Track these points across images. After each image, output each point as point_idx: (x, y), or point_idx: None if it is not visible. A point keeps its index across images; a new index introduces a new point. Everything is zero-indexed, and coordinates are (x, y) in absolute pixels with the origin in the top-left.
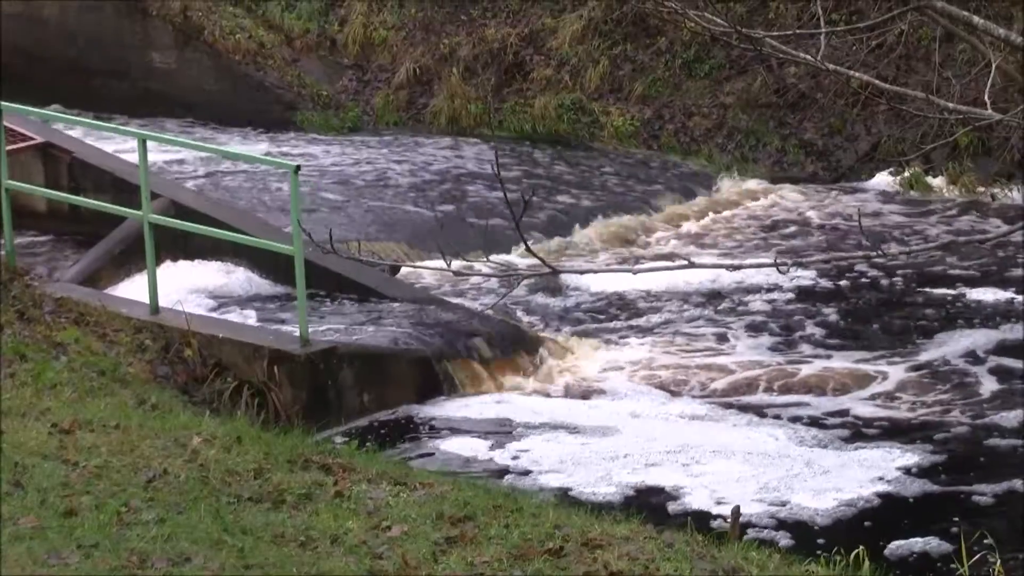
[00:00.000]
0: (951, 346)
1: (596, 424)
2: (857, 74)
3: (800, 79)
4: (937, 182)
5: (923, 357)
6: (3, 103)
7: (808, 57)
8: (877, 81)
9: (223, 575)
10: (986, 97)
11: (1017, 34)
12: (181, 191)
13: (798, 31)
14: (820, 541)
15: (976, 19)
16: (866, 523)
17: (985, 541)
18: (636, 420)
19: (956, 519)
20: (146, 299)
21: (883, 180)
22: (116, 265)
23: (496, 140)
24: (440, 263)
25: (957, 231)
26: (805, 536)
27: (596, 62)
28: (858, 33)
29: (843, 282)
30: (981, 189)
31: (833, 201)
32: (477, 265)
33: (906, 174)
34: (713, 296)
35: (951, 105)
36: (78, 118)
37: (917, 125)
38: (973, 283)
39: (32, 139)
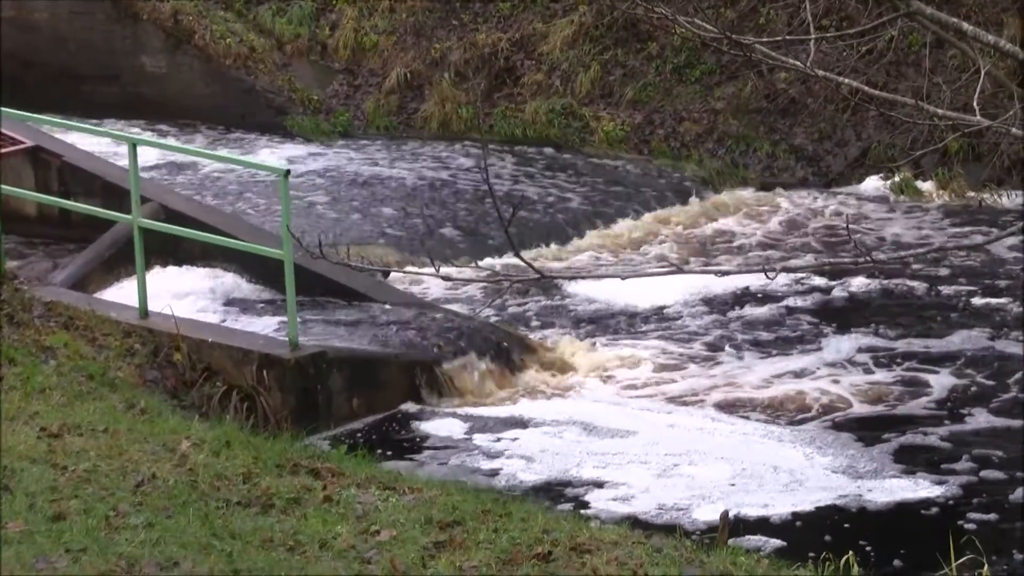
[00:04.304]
0: (944, 353)
1: (592, 429)
2: (847, 80)
3: (790, 85)
4: (927, 187)
5: (917, 365)
6: None
7: (798, 63)
8: (867, 87)
9: None
10: (975, 103)
11: (1006, 40)
12: (171, 195)
13: (788, 37)
14: (809, 547)
15: (966, 25)
16: (857, 530)
17: (973, 546)
18: (633, 425)
19: (946, 525)
20: (135, 303)
21: (873, 185)
22: (106, 269)
23: (487, 145)
24: (429, 268)
25: (947, 236)
26: (794, 542)
27: (587, 67)
28: (848, 39)
29: (838, 289)
30: (971, 194)
31: (823, 206)
32: (466, 271)
33: (896, 179)
34: (711, 302)
35: (941, 111)
36: (69, 122)
37: (907, 131)
38: (968, 288)
39: (22, 143)
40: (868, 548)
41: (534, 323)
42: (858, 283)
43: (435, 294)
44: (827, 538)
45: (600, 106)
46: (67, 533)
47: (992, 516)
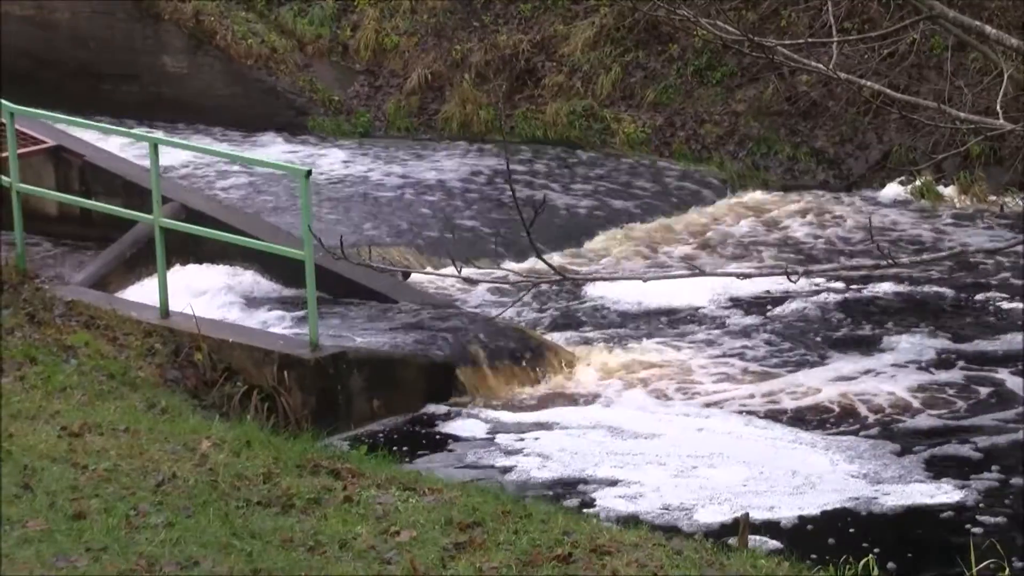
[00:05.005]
0: (966, 356)
1: (614, 430)
2: (868, 83)
3: (812, 87)
4: (948, 191)
5: (953, 369)
6: (16, 107)
7: (820, 66)
8: (889, 90)
9: None
10: (998, 106)
11: None
12: (191, 195)
13: (810, 40)
14: (816, 551)
15: (988, 29)
16: (870, 535)
17: (994, 550)
18: (657, 428)
19: (966, 529)
20: (156, 303)
21: (894, 189)
22: (126, 269)
23: (508, 147)
24: (451, 270)
25: (968, 241)
26: (814, 545)
27: (608, 69)
28: (870, 42)
29: (859, 293)
30: (992, 198)
31: (844, 210)
32: (487, 272)
33: (917, 183)
34: (736, 305)
35: (962, 115)
36: (90, 122)
37: (929, 134)
38: (990, 292)
39: (44, 142)
40: (884, 553)
41: (556, 325)
42: (886, 287)
43: (458, 296)
44: (832, 541)
45: (621, 108)
46: (87, 532)
47: (1016, 522)
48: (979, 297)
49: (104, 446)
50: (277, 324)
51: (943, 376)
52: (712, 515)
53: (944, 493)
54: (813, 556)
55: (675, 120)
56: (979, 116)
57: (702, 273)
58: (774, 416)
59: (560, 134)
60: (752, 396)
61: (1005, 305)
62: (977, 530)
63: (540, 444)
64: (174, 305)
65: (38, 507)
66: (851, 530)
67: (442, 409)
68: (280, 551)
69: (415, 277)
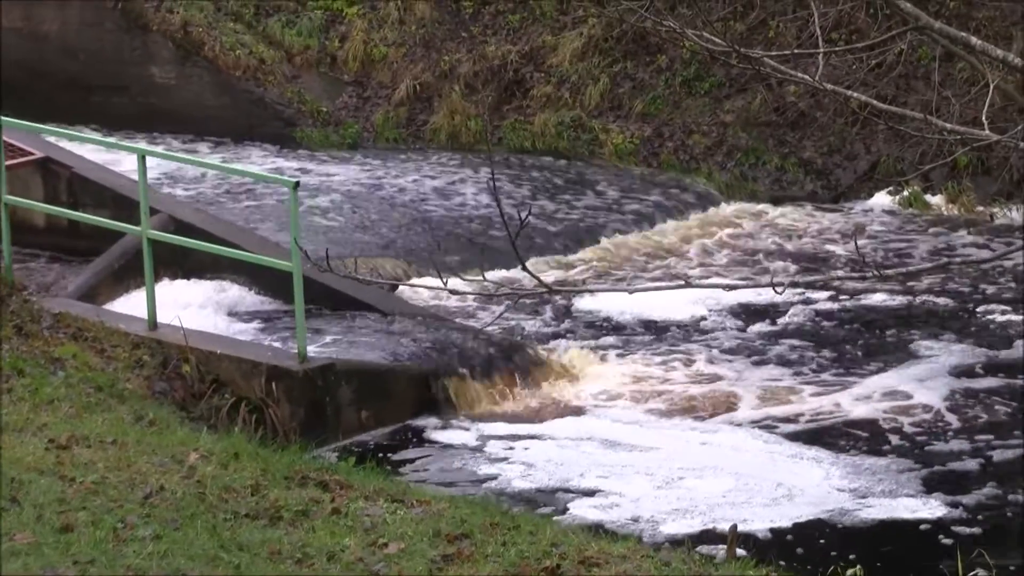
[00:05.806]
0: (953, 366)
1: (603, 442)
2: (856, 94)
3: (800, 98)
4: (936, 201)
5: (925, 377)
6: (2, 118)
7: (806, 77)
8: (876, 101)
9: None
10: (984, 117)
11: (1015, 55)
12: (180, 207)
13: (796, 51)
14: (817, 560)
15: (974, 40)
16: (863, 542)
17: (981, 560)
18: (645, 440)
19: (952, 538)
20: (144, 315)
21: (882, 199)
22: (115, 281)
23: (495, 157)
24: (437, 281)
25: (955, 251)
26: (802, 555)
27: (596, 79)
28: (857, 52)
29: (858, 302)
30: (980, 208)
31: (831, 220)
32: (474, 284)
33: (905, 193)
34: (726, 316)
35: (949, 125)
36: (78, 134)
37: (916, 144)
38: (977, 303)
39: (31, 154)
40: (868, 564)
41: (544, 336)
42: (878, 298)
43: (444, 307)
44: (810, 553)
45: (609, 118)
46: (75, 545)
47: (1008, 533)
48: (982, 308)
49: (92, 458)
50: (266, 336)
51: (951, 387)
52: (681, 527)
53: (935, 507)
54: (782, 563)
55: (663, 131)
56: (966, 127)
57: (688, 284)
58: (776, 429)
59: (548, 145)
60: (753, 408)
61: (1011, 316)
62: (967, 542)
63: (528, 455)
64: (162, 317)
65: (25, 520)
66: (831, 542)
67: (431, 420)
68: (268, 563)
69: (413, 291)
